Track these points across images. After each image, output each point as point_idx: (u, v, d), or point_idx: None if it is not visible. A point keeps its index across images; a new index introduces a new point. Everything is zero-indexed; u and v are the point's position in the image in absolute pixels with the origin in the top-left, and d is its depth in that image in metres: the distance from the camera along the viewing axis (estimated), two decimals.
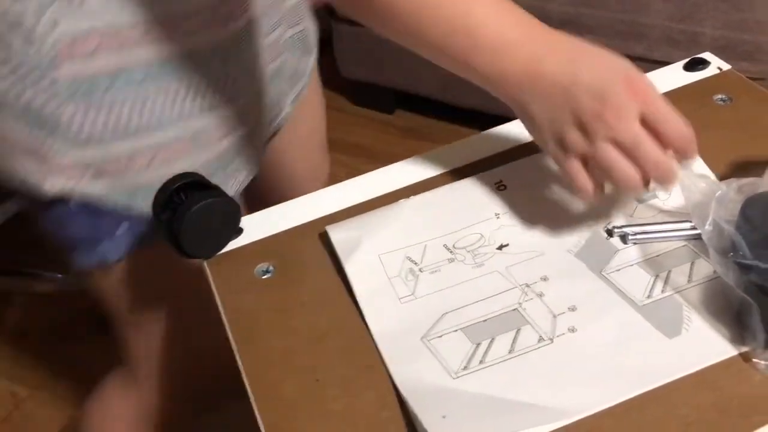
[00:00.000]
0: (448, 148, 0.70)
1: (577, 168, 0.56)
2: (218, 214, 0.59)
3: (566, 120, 0.55)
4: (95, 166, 0.64)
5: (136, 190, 0.65)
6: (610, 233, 0.60)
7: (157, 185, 0.60)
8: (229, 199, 0.59)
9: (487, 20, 0.56)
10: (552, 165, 0.63)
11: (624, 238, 0.59)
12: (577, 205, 0.62)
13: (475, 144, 0.70)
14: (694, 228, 0.57)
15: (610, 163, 0.54)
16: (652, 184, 0.56)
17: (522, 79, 0.56)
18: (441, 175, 0.68)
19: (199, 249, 0.60)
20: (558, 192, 0.64)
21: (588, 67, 0.55)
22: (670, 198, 0.62)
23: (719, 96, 0.72)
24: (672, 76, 0.75)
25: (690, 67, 0.76)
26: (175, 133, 0.65)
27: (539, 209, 0.62)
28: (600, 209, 0.61)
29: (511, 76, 0.56)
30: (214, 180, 0.62)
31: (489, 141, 0.70)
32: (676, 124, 0.54)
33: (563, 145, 0.56)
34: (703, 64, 0.76)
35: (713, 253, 0.50)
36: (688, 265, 0.57)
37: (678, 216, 0.61)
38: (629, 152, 0.53)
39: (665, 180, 0.55)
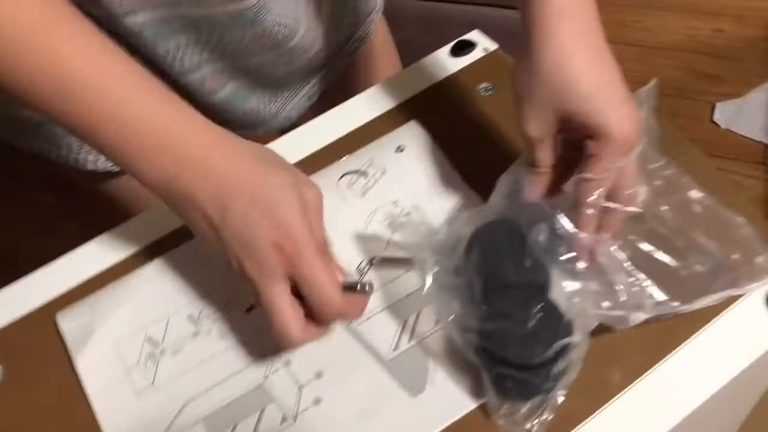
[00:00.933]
0: None
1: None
2: None
3: (220, 255, 0.48)
4: None
5: None
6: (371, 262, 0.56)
7: None
8: None
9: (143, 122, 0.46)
10: None
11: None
12: (334, 241, 0.58)
13: None
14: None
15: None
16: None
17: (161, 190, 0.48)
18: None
19: None
20: None
21: (240, 212, 0.46)
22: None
23: (483, 85, 0.68)
24: (438, 65, 0.70)
25: (456, 51, 0.71)
26: None
27: None
28: (353, 246, 0.57)
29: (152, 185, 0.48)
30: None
31: None
32: (318, 296, 0.46)
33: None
34: (470, 47, 0.71)
35: (437, 312, 0.47)
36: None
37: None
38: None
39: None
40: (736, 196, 0.58)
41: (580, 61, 0.47)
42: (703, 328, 0.51)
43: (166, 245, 0.59)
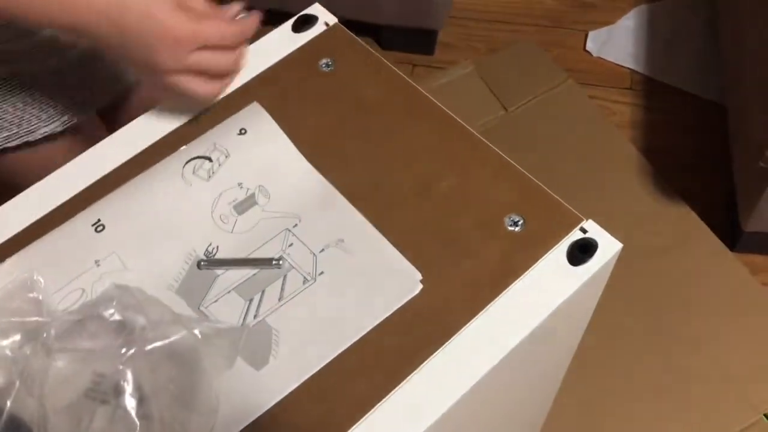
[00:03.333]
0: (37, 189, 0.65)
1: (186, 81, 0.61)
2: None
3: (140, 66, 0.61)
4: None
5: None
6: (199, 266, 0.60)
7: None
8: None
9: None
10: (149, 195, 0.61)
11: (198, 264, 0.60)
12: (181, 228, 0.61)
13: (64, 179, 0.65)
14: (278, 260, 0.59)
15: (188, 87, 0.62)
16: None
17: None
18: (28, 228, 0.62)
19: None
20: (159, 217, 0.62)
21: (135, 26, 0.58)
22: (273, 202, 0.63)
23: (324, 61, 0.71)
24: (281, 42, 0.73)
25: (298, 27, 0.74)
26: None
27: (142, 243, 0.61)
28: (200, 232, 0.61)
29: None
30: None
31: (82, 171, 0.65)
32: (223, 37, 0.61)
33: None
34: (311, 22, 0.74)
35: None
36: (281, 281, 0.59)
37: (283, 218, 0.62)
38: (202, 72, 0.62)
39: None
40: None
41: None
42: (509, 286, 0.58)
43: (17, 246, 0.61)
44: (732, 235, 1.43)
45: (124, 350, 0.45)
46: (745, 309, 1.36)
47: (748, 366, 1.30)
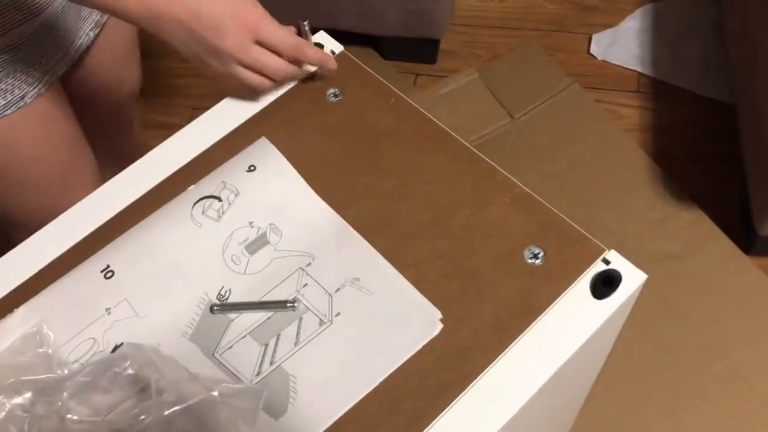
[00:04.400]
0: (45, 233, 0.64)
1: (240, 71, 0.65)
2: None
3: (200, 51, 0.64)
4: None
5: None
6: (212, 310, 0.58)
7: None
8: None
9: None
10: (158, 238, 0.60)
11: (211, 309, 0.58)
12: (193, 272, 0.60)
13: (72, 221, 0.64)
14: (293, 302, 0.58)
15: (244, 76, 0.66)
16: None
17: (142, 15, 0.62)
18: (38, 274, 0.61)
19: None
20: (169, 261, 0.60)
21: (206, 7, 0.61)
22: (285, 240, 0.61)
23: (332, 90, 0.69)
24: None
25: None
26: None
27: (153, 289, 0.60)
28: (212, 274, 0.60)
29: (133, 15, 0.62)
30: None
31: (89, 213, 0.64)
32: (282, 41, 0.65)
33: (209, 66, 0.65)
34: None
35: None
36: (296, 324, 0.57)
37: (297, 256, 0.60)
38: (254, 70, 0.66)
39: (292, 76, 0.69)
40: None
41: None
42: (532, 323, 0.56)
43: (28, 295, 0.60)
44: (746, 239, 1.40)
45: (142, 417, 0.43)
46: (763, 313, 1.34)
47: None
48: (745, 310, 1.35)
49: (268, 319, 0.58)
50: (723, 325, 1.34)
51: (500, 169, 0.63)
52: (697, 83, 1.63)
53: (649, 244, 1.47)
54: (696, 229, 1.45)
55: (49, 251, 0.62)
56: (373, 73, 0.70)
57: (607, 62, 1.69)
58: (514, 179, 0.63)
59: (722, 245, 1.43)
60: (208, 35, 0.62)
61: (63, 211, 0.65)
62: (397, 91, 0.69)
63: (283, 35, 0.65)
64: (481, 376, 0.54)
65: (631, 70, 1.67)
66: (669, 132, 1.59)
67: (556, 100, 1.61)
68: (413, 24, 1.60)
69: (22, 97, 0.75)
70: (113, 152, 1.05)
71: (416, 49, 1.70)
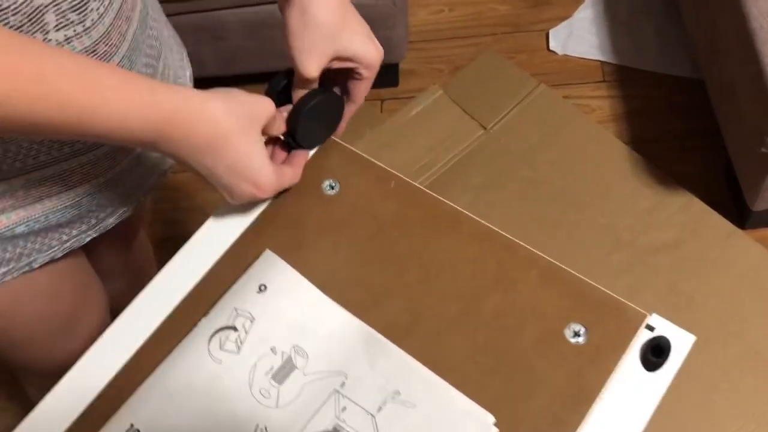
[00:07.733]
0: (61, 391, 0.59)
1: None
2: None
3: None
4: None
5: None
6: None
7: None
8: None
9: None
10: (180, 386, 0.56)
11: None
12: (222, 416, 0.55)
13: (87, 373, 0.59)
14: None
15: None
16: None
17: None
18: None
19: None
20: (195, 410, 0.55)
21: (223, 168, 0.58)
22: (312, 361, 0.57)
23: (327, 182, 0.66)
24: None
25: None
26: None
27: None
28: (242, 414, 0.55)
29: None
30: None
31: (103, 362, 0.59)
32: (291, 183, 0.65)
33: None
34: None
35: None
36: None
37: (329, 378, 0.57)
38: None
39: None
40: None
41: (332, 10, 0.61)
42: (589, 410, 0.53)
43: None
44: (739, 214, 1.40)
45: None
46: None
47: None
48: (754, 285, 1.35)
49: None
50: (733, 304, 1.33)
51: (520, 242, 0.61)
52: (660, 63, 1.63)
53: (645, 234, 1.45)
54: (688, 213, 1.44)
55: (65, 414, 0.58)
56: (368, 156, 0.66)
57: (569, 56, 1.68)
58: (535, 251, 0.60)
59: (717, 224, 1.42)
60: (222, 179, 0.60)
61: (71, 348, 0.61)
62: (394, 171, 0.66)
63: (295, 178, 0.65)
64: None
65: (593, 60, 1.66)
66: (642, 116, 1.58)
67: (526, 105, 1.59)
68: None
69: (30, 264, 0.70)
70: (119, 261, 1.00)
71: (378, 76, 1.67)
